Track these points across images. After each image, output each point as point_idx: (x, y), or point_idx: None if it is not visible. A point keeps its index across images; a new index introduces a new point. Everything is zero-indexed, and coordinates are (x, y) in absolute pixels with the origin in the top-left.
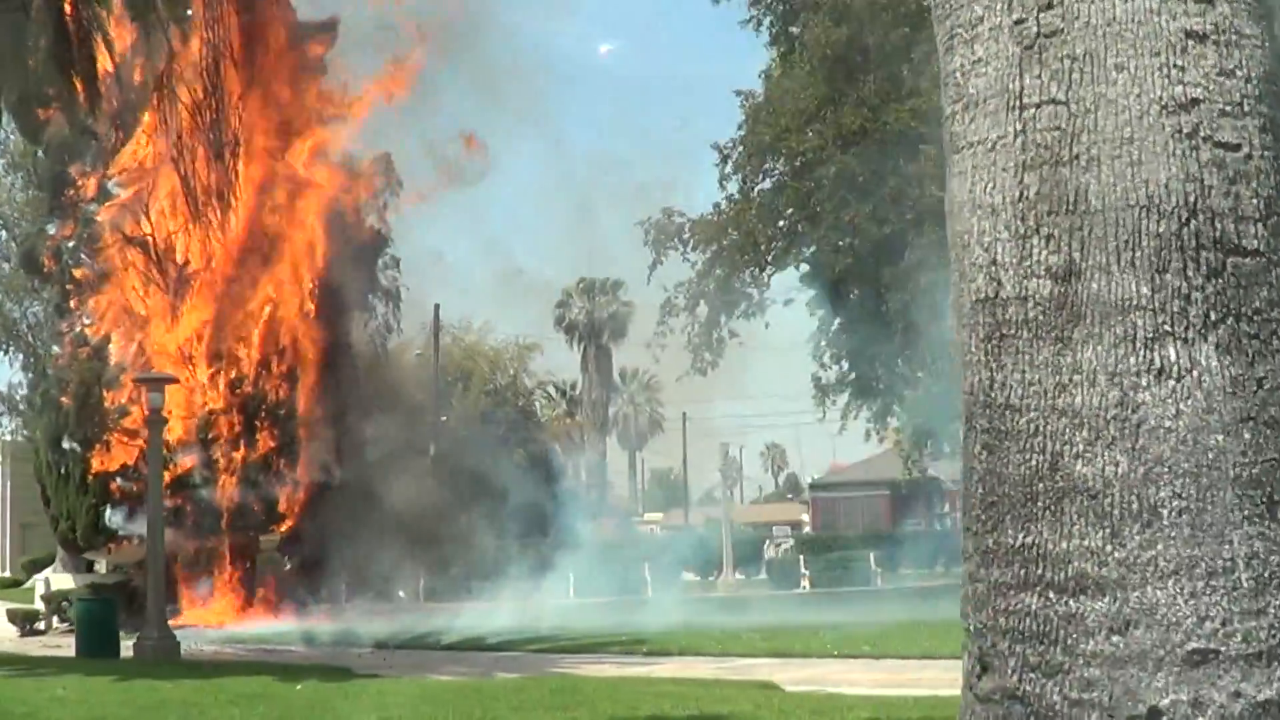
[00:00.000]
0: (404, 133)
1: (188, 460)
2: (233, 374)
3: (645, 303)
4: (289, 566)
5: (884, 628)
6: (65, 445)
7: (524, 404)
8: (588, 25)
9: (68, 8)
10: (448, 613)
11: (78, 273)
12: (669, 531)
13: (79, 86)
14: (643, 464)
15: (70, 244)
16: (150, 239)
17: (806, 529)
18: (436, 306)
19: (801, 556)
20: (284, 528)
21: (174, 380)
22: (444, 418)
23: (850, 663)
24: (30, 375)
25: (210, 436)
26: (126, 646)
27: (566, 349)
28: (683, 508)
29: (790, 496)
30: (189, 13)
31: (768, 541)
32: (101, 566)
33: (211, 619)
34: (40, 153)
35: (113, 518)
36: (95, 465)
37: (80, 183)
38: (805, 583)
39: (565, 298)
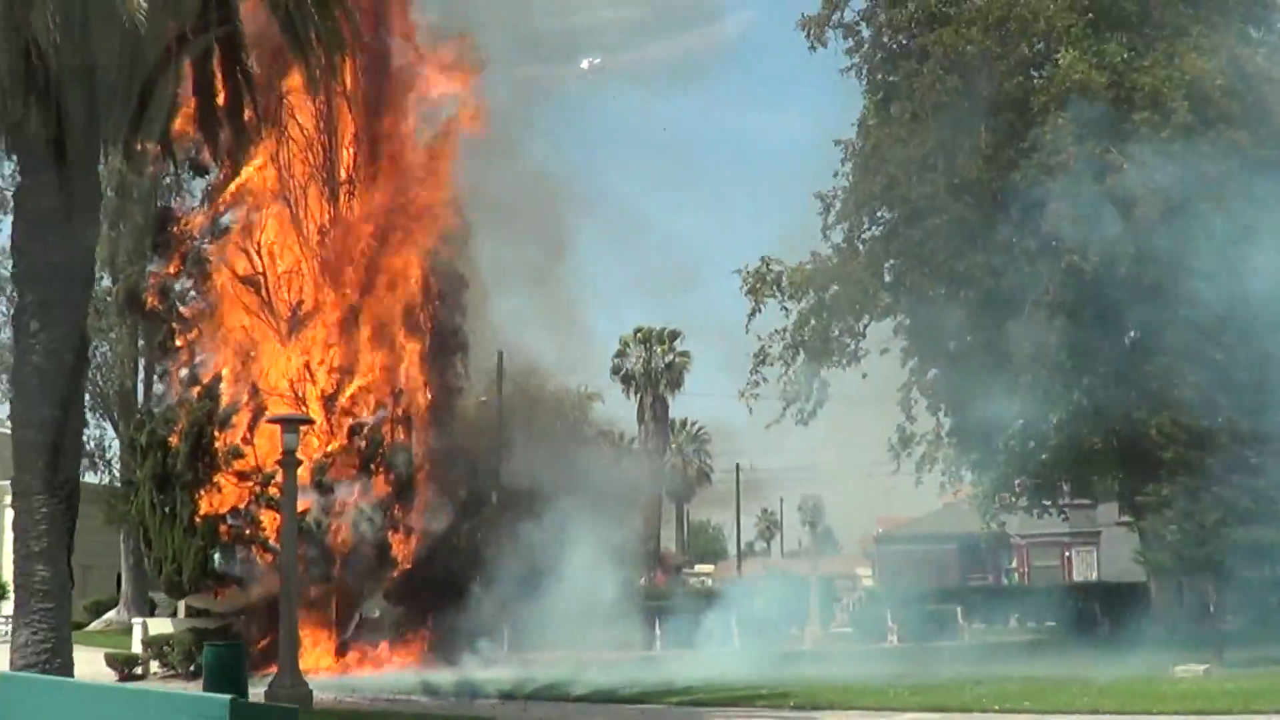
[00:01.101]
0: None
1: (302, 503)
2: (349, 418)
3: (701, 353)
4: (397, 614)
5: (1025, 682)
6: (172, 487)
7: (584, 454)
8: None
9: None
10: (543, 662)
11: (186, 310)
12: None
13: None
14: (688, 516)
15: (176, 282)
16: (261, 277)
17: (865, 582)
18: (500, 354)
19: (888, 610)
20: (394, 574)
21: (310, 421)
22: (505, 465)
23: (1021, 718)
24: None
25: (325, 479)
26: (254, 694)
27: (623, 399)
28: (725, 560)
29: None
30: (344, 50)
31: (841, 594)
32: (181, 610)
33: (317, 665)
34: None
35: (221, 561)
36: (204, 507)
37: (185, 219)
38: (893, 636)
39: (623, 347)
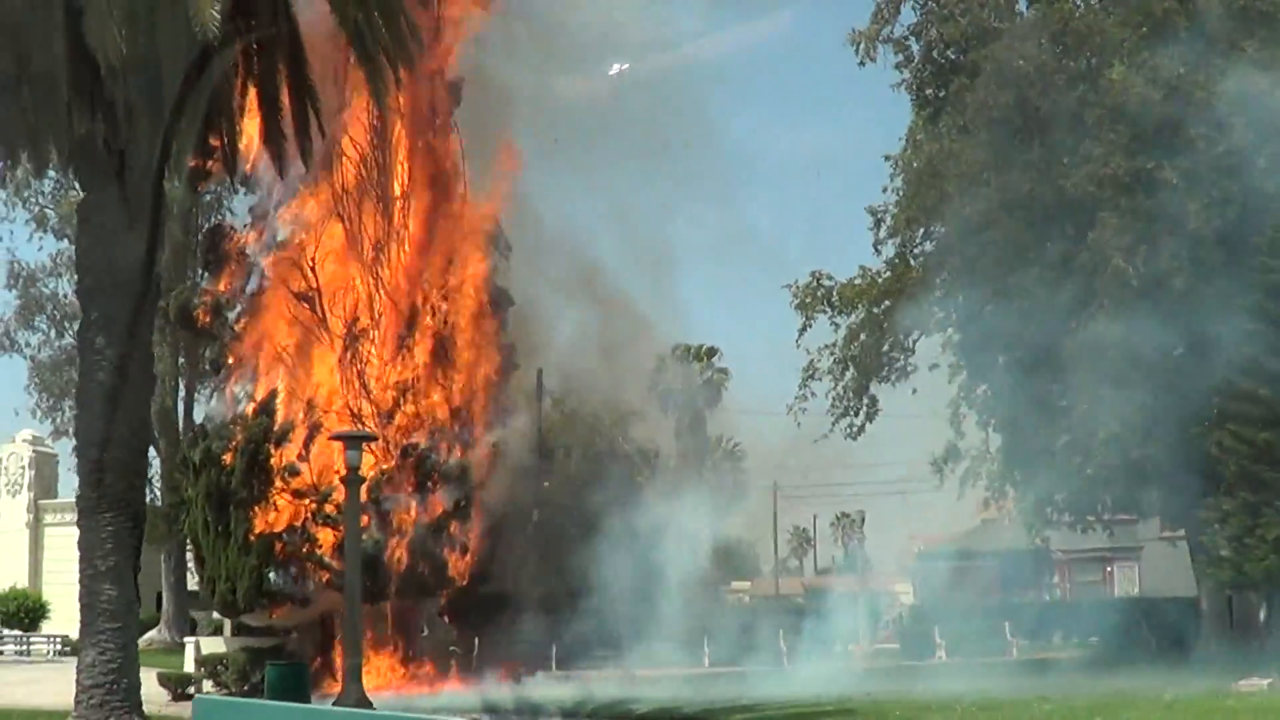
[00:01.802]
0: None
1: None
2: (405, 435)
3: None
4: (453, 633)
5: (1091, 698)
6: (227, 504)
7: (621, 471)
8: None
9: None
10: (597, 680)
11: (239, 327)
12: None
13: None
14: (723, 533)
15: (229, 298)
16: (315, 293)
17: (903, 598)
18: (540, 371)
19: (935, 626)
20: (450, 592)
21: (373, 438)
22: (545, 483)
23: None
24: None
25: (381, 497)
26: None
27: (660, 415)
28: (759, 576)
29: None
30: (411, 64)
31: (884, 610)
32: (227, 629)
33: (373, 684)
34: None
35: (277, 580)
36: (259, 525)
37: (238, 235)
38: (941, 652)
39: (659, 363)
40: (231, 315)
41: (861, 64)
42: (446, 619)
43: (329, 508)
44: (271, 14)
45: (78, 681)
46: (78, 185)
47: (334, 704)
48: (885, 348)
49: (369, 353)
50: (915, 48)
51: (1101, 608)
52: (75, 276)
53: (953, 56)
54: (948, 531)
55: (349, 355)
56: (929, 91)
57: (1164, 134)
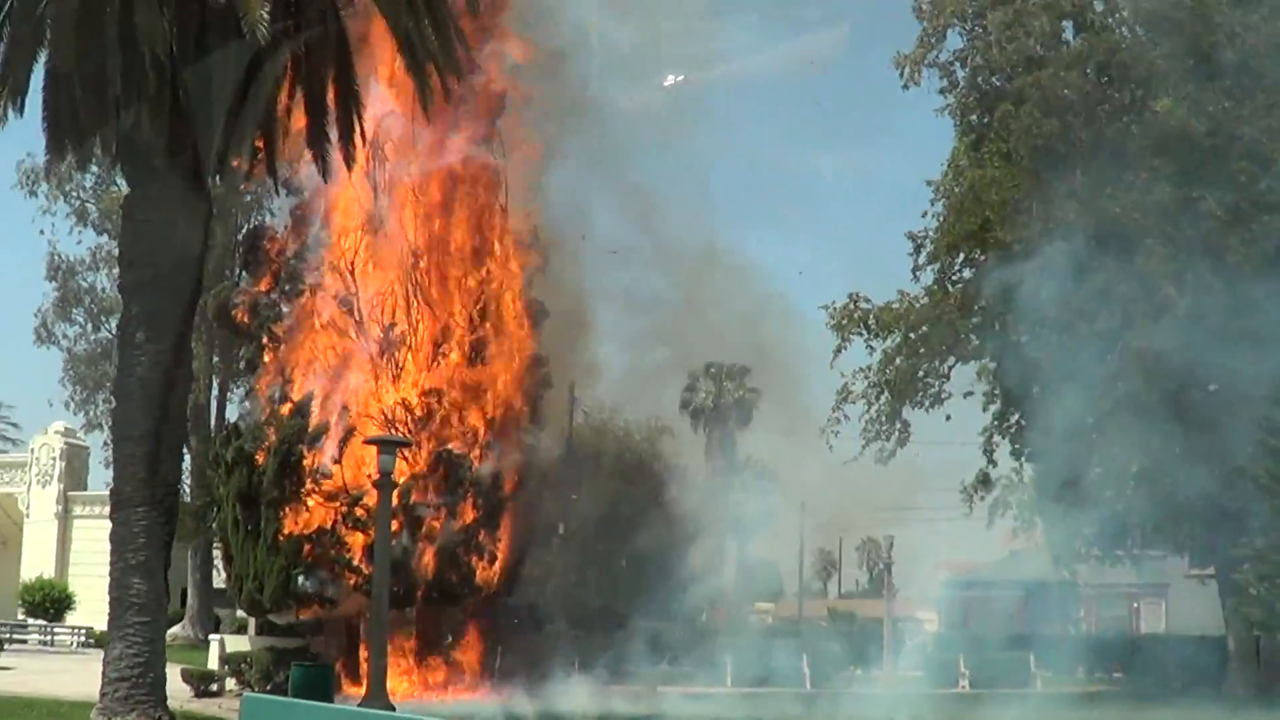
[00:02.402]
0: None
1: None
2: (438, 441)
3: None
4: (475, 640)
5: None
6: (258, 504)
7: (651, 487)
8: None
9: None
10: (619, 694)
11: (278, 328)
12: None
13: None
14: (749, 553)
15: (268, 298)
16: (353, 297)
17: (927, 626)
18: (572, 384)
19: (960, 655)
20: (476, 601)
21: (407, 444)
22: (574, 496)
23: None
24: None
25: (412, 503)
26: None
27: (691, 433)
28: (783, 598)
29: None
30: (459, 73)
31: (907, 638)
32: (251, 627)
33: (395, 689)
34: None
35: (305, 581)
36: (289, 526)
37: (278, 237)
38: (964, 682)
39: (692, 381)
40: (269, 316)
41: (906, 87)
42: (471, 626)
43: (359, 511)
44: (321, 17)
45: (104, 674)
46: (122, 181)
47: (358, 706)
48: (920, 373)
49: (404, 358)
50: (960, 73)
51: (1127, 643)
52: (115, 271)
53: (997, 83)
54: (975, 560)
55: (385, 360)
56: (973, 117)
57: (1207, 166)
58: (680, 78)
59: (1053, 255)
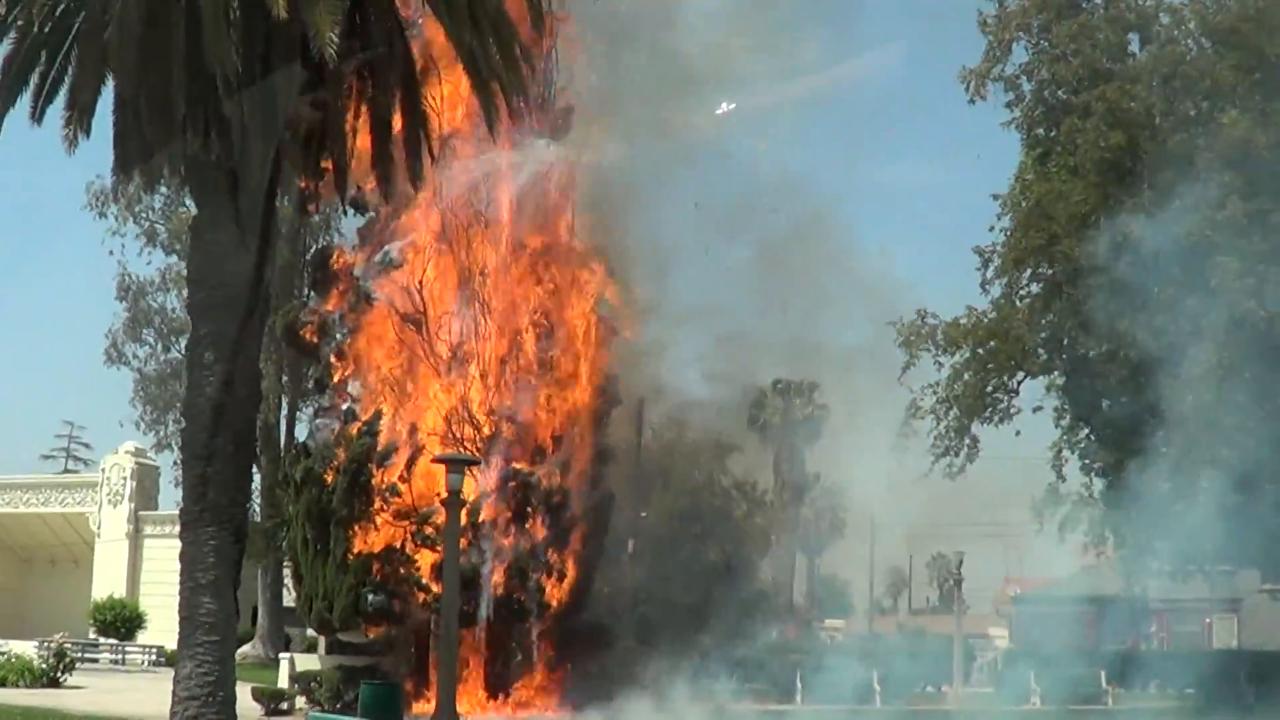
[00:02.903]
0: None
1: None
2: (507, 460)
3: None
4: (546, 658)
5: None
6: (327, 523)
7: (720, 504)
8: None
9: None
10: (692, 713)
11: (346, 347)
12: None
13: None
14: (818, 569)
15: (336, 317)
16: (421, 316)
17: (998, 642)
18: (641, 400)
19: (1031, 672)
20: (546, 618)
21: (476, 462)
22: (643, 514)
23: None
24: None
25: (481, 521)
26: None
27: (759, 450)
28: (853, 615)
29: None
30: (524, 93)
31: (977, 654)
32: (321, 646)
33: (466, 708)
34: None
35: (374, 600)
36: (358, 545)
37: (344, 256)
38: (1036, 698)
39: (760, 397)
40: (338, 335)
41: (971, 101)
42: (540, 645)
43: (428, 529)
44: (386, 36)
45: (174, 692)
46: (190, 202)
47: None
48: (989, 388)
49: (473, 377)
50: (1026, 87)
51: (1199, 658)
52: (184, 291)
53: (1064, 96)
54: (1045, 576)
55: (453, 379)
56: (1039, 131)
57: (1276, 179)
58: (731, 106)
59: (1121, 270)
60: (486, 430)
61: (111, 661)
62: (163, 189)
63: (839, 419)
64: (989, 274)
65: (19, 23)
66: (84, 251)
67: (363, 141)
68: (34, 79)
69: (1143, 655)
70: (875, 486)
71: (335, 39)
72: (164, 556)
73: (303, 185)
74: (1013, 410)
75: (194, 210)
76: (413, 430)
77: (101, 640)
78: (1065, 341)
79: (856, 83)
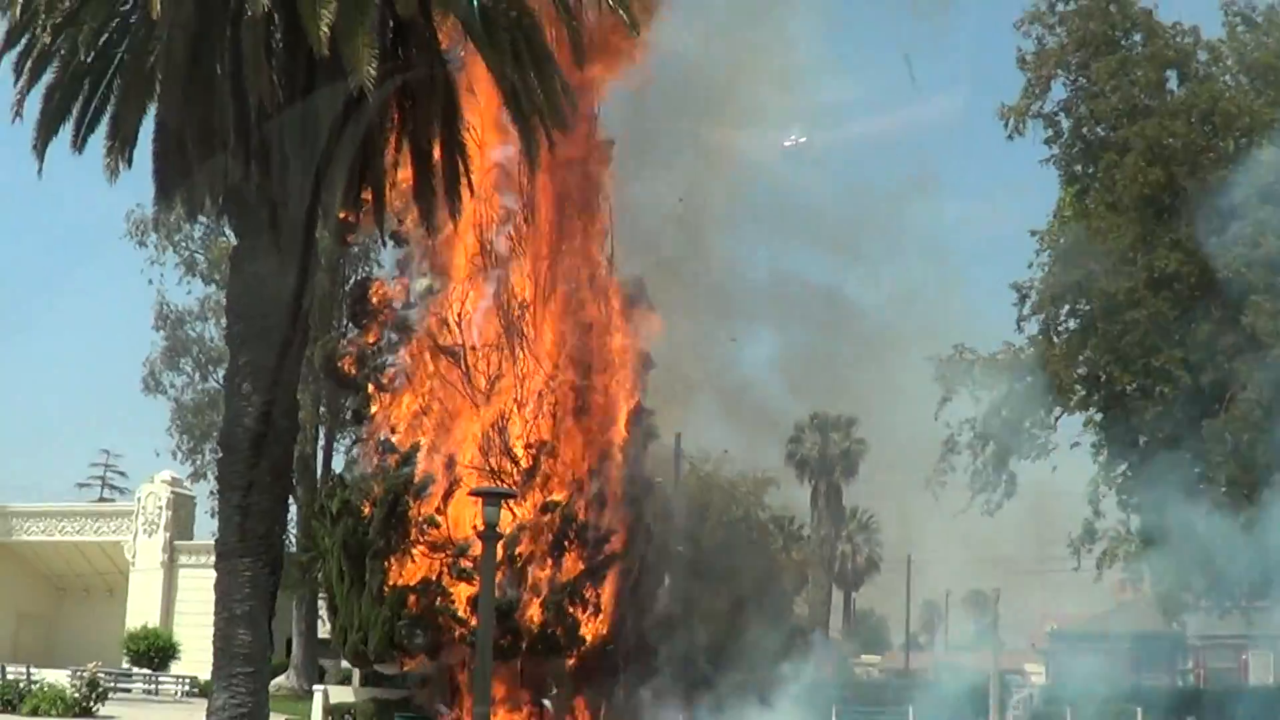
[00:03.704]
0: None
1: None
2: (544, 493)
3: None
4: (580, 691)
5: None
6: (363, 555)
7: (756, 538)
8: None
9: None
10: None
11: (384, 378)
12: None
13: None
14: (855, 605)
15: (374, 349)
16: (460, 348)
17: (1033, 678)
18: (678, 435)
19: (1068, 708)
20: (580, 652)
21: (512, 495)
22: (679, 548)
23: None
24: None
25: (517, 554)
26: None
27: (797, 484)
28: (889, 650)
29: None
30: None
31: (1014, 691)
32: (355, 678)
33: None
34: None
35: (409, 633)
36: (394, 577)
37: (383, 288)
38: None
39: (798, 432)
40: (375, 367)
41: (1010, 138)
42: (575, 678)
43: (464, 562)
44: (426, 70)
45: None
46: (230, 232)
47: None
48: (1026, 424)
49: (511, 409)
50: (1065, 123)
51: (1235, 695)
52: (223, 321)
53: (1102, 133)
54: (1082, 612)
55: (491, 411)
56: (1077, 167)
57: None
58: (801, 139)
59: (1159, 306)
60: (524, 463)
61: (145, 691)
62: (202, 219)
63: (876, 454)
64: (1026, 309)
65: (62, 52)
66: (123, 280)
67: (402, 173)
68: (76, 108)
69: (1180, 691)
70: (912, 522)
71: (373, 71)
72: (199, 586)
73: (342, 216)
74: (1050, 446)
75: (234, 240)
76: (450, 463)
77: (135, 670)
78: (1102, 378)
79: (921, 123)
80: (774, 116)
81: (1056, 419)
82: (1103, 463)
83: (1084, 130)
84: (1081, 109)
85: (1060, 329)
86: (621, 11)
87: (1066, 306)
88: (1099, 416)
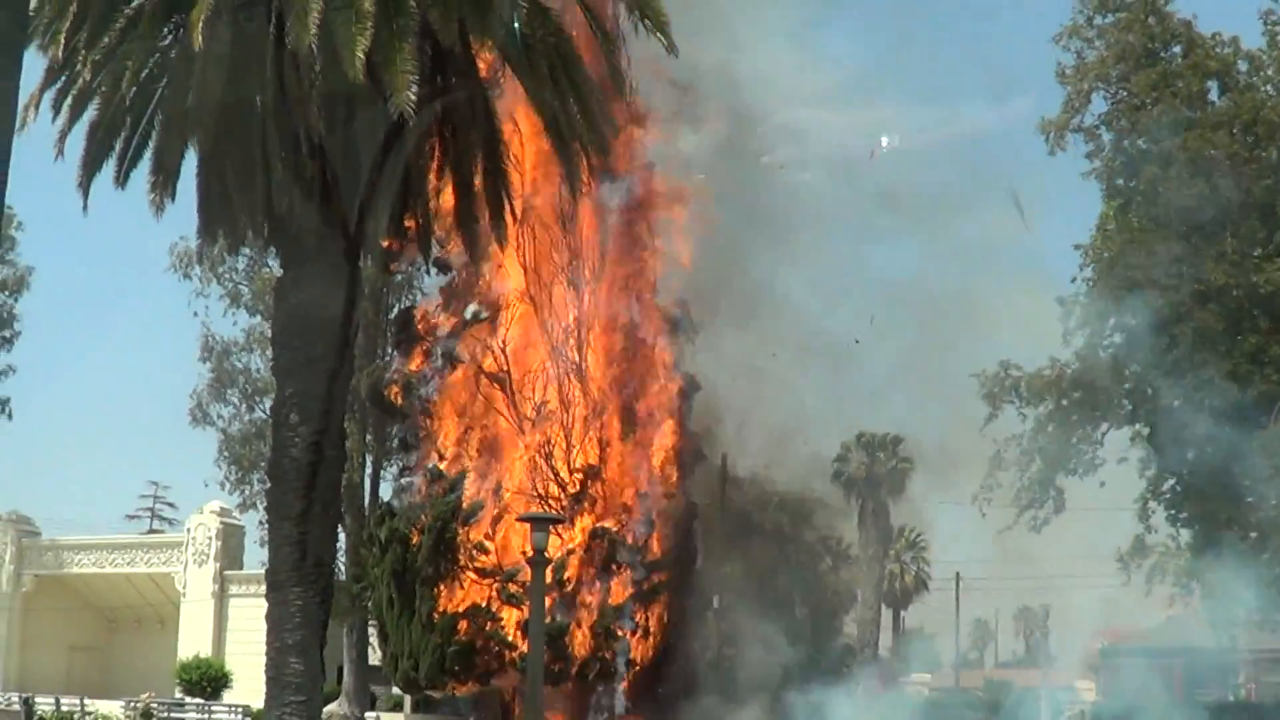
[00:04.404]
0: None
1: None
2: (592, 518)
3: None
4: (635, 716)
5: None
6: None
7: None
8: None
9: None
10: None
11: (431, 406)
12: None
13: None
14: (904, 623)
15: (419, 377)
16: (506, 374)
17: (1084, 694)
18: (724, 455)
19: None
20: (631, 676)
21: (560, 520)
22: (727, 569)
23: None
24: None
25: (565, 578)
26: None
27: (844, 504)
28: (939, 668)
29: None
30: (607, 154)
31: (1065, 707)
32: (407, 706)
33: None
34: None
35: (459, 659)
36: (443, 603)
37: (429, 315)
38: None
39: (844, 451)
40: (421, 395)
41: (1051, 153)
42: (625, 702)
43: (513, 587)
44: (468, 98)
45: None
46: (273, 263)
47: None
48: (1073, 439)
49: (557, 434)
50: (1106, 136)
51: None
52: (268, 352)
53: (1144, 146)
54: (1133, 628)
55: (537, 436)
56: (1120, 181)
57: None
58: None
59: (1206, 319)
60: (571, 488)
61: None
62: (245, 250)
63: (923, 472)
64: (1071, 324)
65: (103, 89)
66: (169, 313)
67: (445, 201)
68: (118, 144)
69: (1232, 706)
70: (959, 539)
71: (413, 95)
72: (250, 616)
73: (386, 245)
74: (1097, 462)
75: (277, 271)
76: (497, 489)
77: (187, 700)
78: (1149, 392)
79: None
80: (815, 130)
81: (1103, 434)
82: (1151, 477)
83: (1125, 143)
84: (1122, 122)
85: (1106, 344)
86: (659, 34)
87: (1112, 320)
88: (1146, 431)
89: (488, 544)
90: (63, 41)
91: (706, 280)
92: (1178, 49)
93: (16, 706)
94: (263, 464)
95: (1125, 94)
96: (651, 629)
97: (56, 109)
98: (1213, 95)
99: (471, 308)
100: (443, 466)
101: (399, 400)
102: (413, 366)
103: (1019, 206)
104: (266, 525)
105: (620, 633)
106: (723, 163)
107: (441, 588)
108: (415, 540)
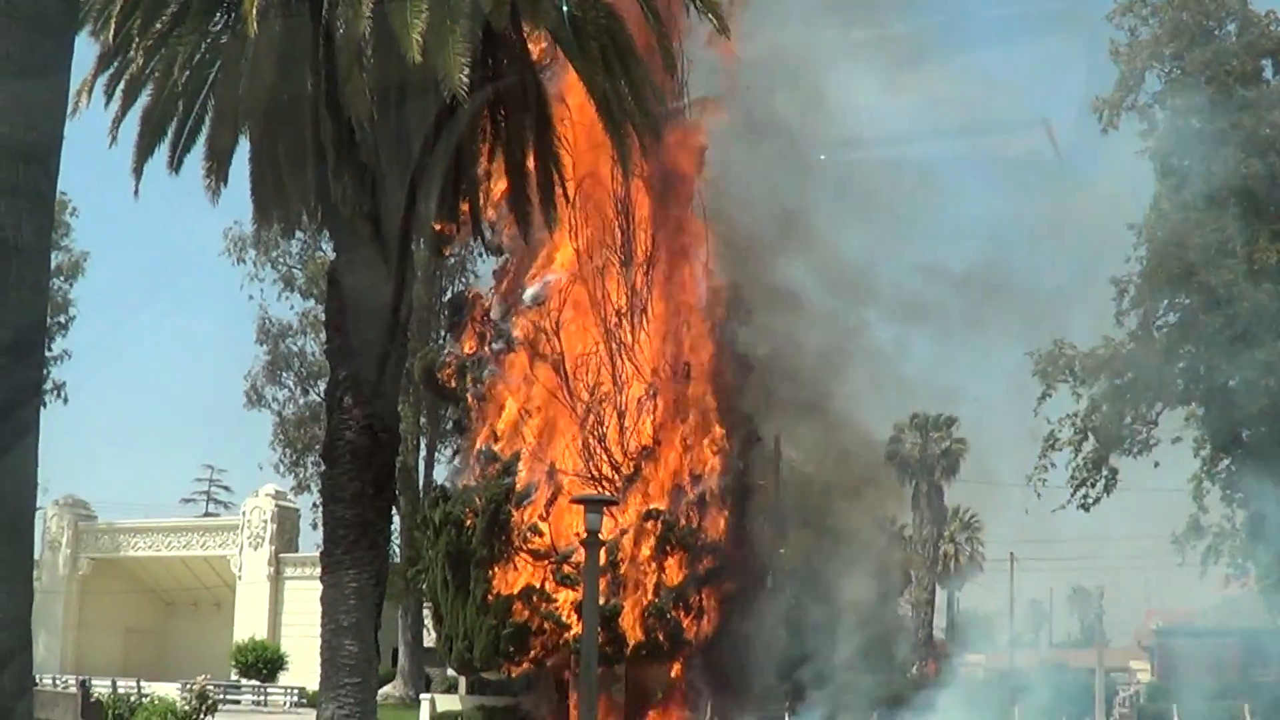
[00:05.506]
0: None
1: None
2: (646, 500)
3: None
4: (690, 696)
5: None
6: (466, 564)
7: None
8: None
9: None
10: None
11: (485, 388)
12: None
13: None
14: (958, 604)
15: (472, 360)
16: (559, 357)
17: (1138, 675)
18: (777, 438)
19: (1174, 705)
20: (685, 657)
21: (614, 502)
22: (781, 550)
23: None
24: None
25: (619, 559)
26: None
27: (897, 485)
28: (994, 649)
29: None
30: (658, 135)
31: (1119, 688)
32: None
33: None
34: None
35: (514, 640)
36: (497, 585)
37: (481, 299)
38: None
39: (897, 432)
40: (475, 377)
41: (1105, 131)
42: (680, 682)
43: (568, 569)
44: (519, 80)
45: None
46: (327, 246)
47: None
48: (1127, 419)
49: (611, 417)
50: (1160, 115)
51: None
52: (322, 335)
53: (1197, 125)
54: (1188, 608)
55: (591, 419)
56: (1173, 160)
57: None
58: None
59: (1260, 299)
60: (625, 469)
61: (254, 703)
62: (300, 233)
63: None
64: (1125, 304)
65: (156, 74)
66: (222, 296)
67: (497, 184)
68: (171, 129)
69: None
70: (1014, 519)
71: (465, 78)
72: (305, 598)
73: (438, 228)
74: (1151, 441)
75: (331, 255)
76: (551, 471)
77: (244, 682)
78: (1203, 371)
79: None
80: (870, 113)
81: (1158, 414)
82: (1205, 456)
83: (1179, 122)
84: (1176, 100)
85: (1159, 323)
86: (710, 15)
87: (1166, 300)
88: (1200, 411)
89: (541, 526)
90: (114, 28)
91: (759, 262)
92: (1232, 27)
93: (74, 689)
94: (317, 447)
95: (1179, 72)
96: (706, 610)
97: (109, 95)
98: (1267, 74)
99: (531, 290)
100: (496, 449)
101: (453, 383)
102: (466, 349)
103: (1052, 140)
104: (321, 508)
105: (675, 614)
106: (775, 142)
107: (495, 570)
108: (469, 523)
